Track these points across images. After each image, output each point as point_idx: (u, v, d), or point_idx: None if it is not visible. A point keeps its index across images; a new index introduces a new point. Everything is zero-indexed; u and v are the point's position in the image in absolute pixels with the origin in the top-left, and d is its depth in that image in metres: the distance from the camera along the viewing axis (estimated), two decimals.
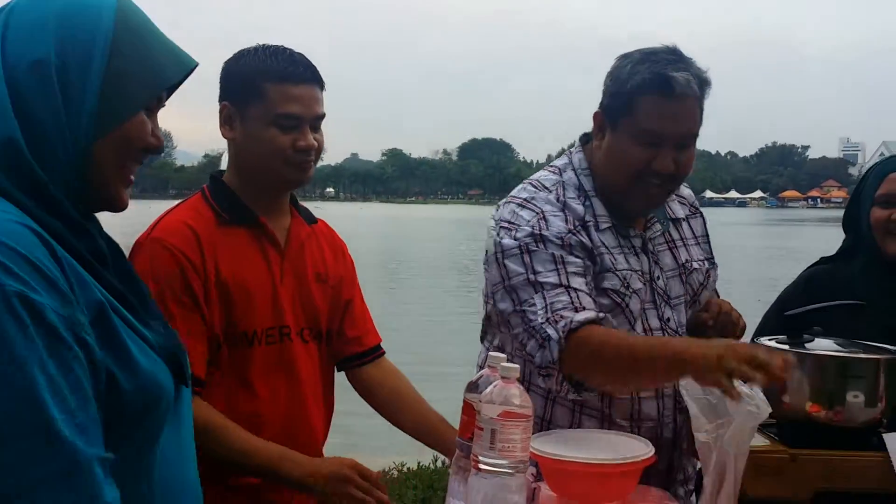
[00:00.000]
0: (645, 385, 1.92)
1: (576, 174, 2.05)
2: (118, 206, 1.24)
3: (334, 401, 2.15)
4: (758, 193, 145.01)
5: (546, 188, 2.02)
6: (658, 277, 2.04)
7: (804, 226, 59.33)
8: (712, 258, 2.18)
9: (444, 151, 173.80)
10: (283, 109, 1.91)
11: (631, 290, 1.98)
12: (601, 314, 1.86)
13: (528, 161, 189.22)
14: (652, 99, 1.88)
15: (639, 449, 1.83)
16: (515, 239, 1.92)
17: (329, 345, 2.10)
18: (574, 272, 1.88)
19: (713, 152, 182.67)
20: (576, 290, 1.86)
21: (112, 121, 1.17)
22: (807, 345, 1.86)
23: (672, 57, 1.91)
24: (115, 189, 1.22)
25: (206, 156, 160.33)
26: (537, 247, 1.90)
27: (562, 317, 1.82)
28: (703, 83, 1.92)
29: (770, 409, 1.75)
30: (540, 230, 1.92)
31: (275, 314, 1.96)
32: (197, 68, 1.29)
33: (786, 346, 1.86)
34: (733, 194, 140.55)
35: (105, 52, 1.16)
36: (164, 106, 1.28)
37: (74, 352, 1.04)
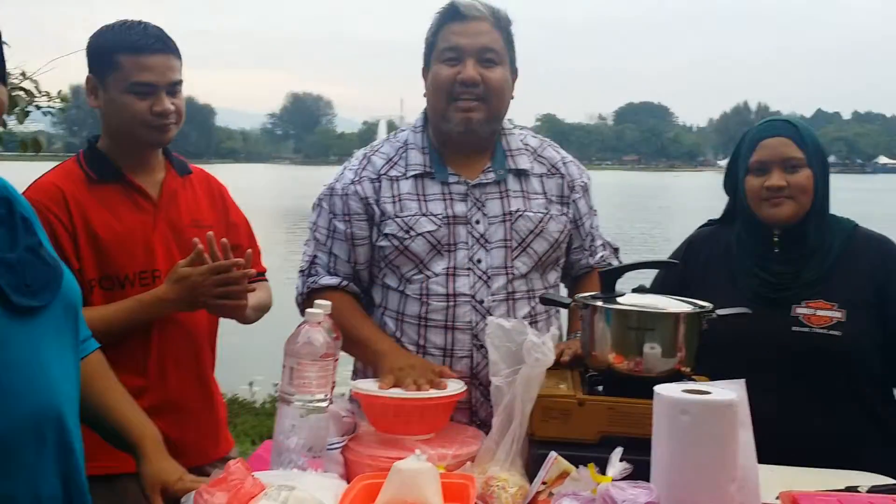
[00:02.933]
0: (353, 354, 2.30)
1: (406, 131, 2.39)
2: None
3: (217, 329, 2.43)
4: None
5: (373, 147, 2.41)
6: (478, 222, 2.27)
7: None
8: (565, 214, 2.37)
9: (600, 116, 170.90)
10: (136, 78, 2.17)
11: (414, 233, 2.24)
12: (344, 282, 2.31)
13: (688, 125, 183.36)
14: (447, 25, 2.26)
15: (450, 386, 2.00)
16: (321, 192, 2.38)
17: None
18: (339, 238, 2.31)
19: (888, 115, 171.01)
20: (336, 256, 2.32)
21: None
22: (619, 299, 1.95)
23: None
24: None
25: (364, 123, 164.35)
26: (327, 205, 2.35)
27: (315, 272, 2.33)
28: (496, 13, 2.27)
29: (553, 358, 1.88)
30: (333, 184, 2.36)
31: (147, 259, 2.22)
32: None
33: (599, 302, 1.96)
34: None
35: None
36: None
37: None
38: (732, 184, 2.42)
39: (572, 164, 2.43)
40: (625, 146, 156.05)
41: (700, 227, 2.53)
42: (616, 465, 1.58)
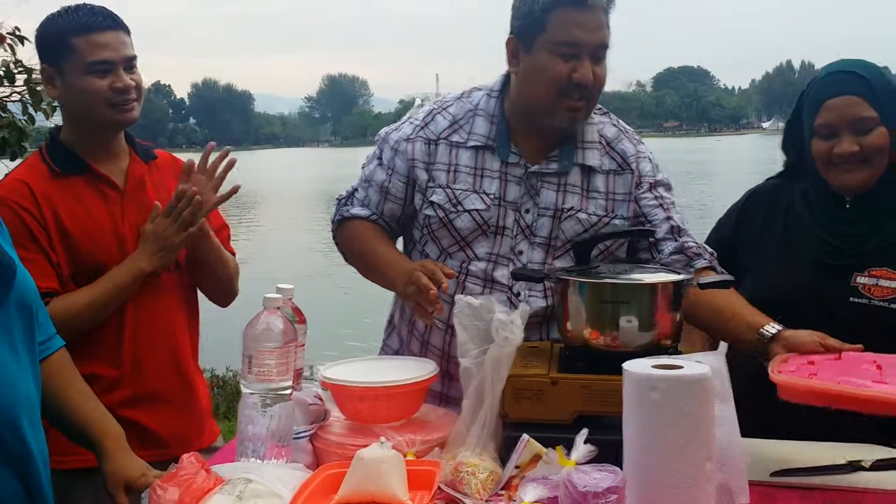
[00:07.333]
0: (372, 280, 2.24)
1: (481, 93, 2.20)
2: None
3: (198, 321, 2.39)
4: None
5: (443, 102, 2.25)
6: (528, 211, 2.12)
7: None
8: (628, 217, 2.15)
9: (638, 83, 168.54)
10: (92, 57, 2.12)
11: (462, 209, 2.11)
12: (374, 216, 2.24)
13: (730, 87, 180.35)
14: (565, 11, 1.99)
15: (421, 370, 1.92)
16: (380, 131, 2.30)
17: (190, 271, 2.30)
18: (376, 184, 2.23)
19: None
20: (370, 198, 2.24)
21: None
22: (593, 270, 1.86)
23: None
24: None
25: (401, 101, 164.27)
26: (380, 148, 2.27)
27: (350, 203, 2.29)
28: None
29: (522, 336, 1.79)
30: (390, 132, 2.26)
31: (120, 250, 2.17)
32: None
33: (575, 276, 1.86)
34: None
35: None
36: None
37: None
38: (795, 144, 2.18)
39: (646, 160, 2.19)
40: (665, 112, 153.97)
41: (766, 181, 2.31)
42: (580, 448, 1.49)
